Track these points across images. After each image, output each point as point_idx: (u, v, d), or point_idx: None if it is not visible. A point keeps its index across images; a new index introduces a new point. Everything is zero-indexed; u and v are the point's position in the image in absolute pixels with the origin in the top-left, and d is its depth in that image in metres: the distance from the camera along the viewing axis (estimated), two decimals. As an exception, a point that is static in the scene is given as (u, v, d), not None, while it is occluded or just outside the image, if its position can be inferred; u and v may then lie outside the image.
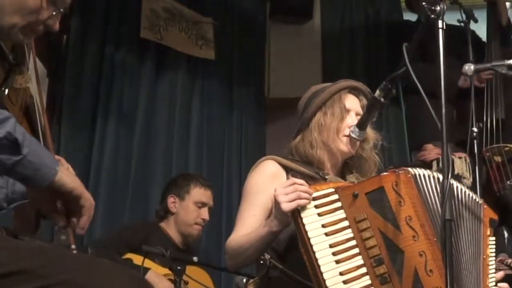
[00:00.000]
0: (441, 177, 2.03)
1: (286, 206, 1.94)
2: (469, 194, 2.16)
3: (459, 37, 4.03)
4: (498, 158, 3.76)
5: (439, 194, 2.04)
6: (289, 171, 2.31)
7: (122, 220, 4.06)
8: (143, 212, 4.14)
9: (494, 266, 2.18)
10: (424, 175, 2.08)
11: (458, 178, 3.54)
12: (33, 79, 2.28)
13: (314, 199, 1.96)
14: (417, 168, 2.10)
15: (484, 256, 2.14)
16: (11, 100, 2.22)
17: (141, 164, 4.27)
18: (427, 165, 3.63)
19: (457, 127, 3.76)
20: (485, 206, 2.20)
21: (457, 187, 2.12)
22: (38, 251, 1.43)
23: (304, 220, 1.93)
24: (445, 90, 1.89)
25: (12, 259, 1.37)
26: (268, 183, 2.26)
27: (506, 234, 3.84)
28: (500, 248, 3.38)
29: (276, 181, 2.24)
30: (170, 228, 3.63)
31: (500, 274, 2.23)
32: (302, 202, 1.94)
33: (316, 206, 1.95)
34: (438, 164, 3.64)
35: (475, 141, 3.29)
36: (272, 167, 2.33)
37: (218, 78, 4.76)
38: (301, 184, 1.98)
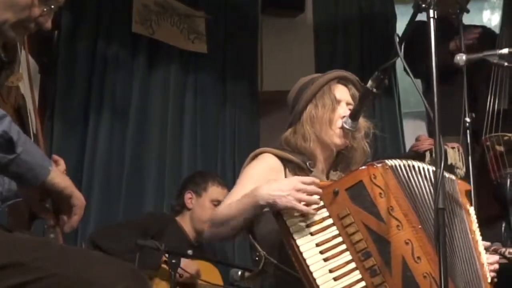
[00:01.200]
0: (420, 165, 2.09)
1: (288, 202, 1.94)
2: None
3: (489, 37, 4.07)
4: (499, 147, 3.76)
5: (420, 183, 2.07)
6: (285, 163, 2.30)
7: (117, 216, 4.05)
8: (138, 208, 4.14)
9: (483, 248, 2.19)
10: (401, 165, 2.09)
11: (451, 168, 3.54)
12: (25, 76, 2.27)
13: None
14: (393, 160, 2.11)
15: (473, 236, 2.15)
16: (2, 98, 2.22)
17: (135, 159, 4.26)
18: (420, 156, 3.63)
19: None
20: (458, 181, 2.22)
21: (423, 168, 2.11)
22: (31, 244, 1.44)
23: (288, 223, 1.94)
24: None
25: (6, 252, 1.38)
26: (267, 175, 2.24)
27: (503, 223, 3.85)
28: (495, 238, 3.40)
29: (274, 175, 2.24)
30: (185, 223, 3.65)
31: (495, 266, 2.23)
32: (303, 208, 1.94)
33: (299, 207, 1.96)
34: (431, 155, 3.64)
35: (468, 131, 3.30)
36: (272, 161, 2.31)
37: (211, 72, 4.75)
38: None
